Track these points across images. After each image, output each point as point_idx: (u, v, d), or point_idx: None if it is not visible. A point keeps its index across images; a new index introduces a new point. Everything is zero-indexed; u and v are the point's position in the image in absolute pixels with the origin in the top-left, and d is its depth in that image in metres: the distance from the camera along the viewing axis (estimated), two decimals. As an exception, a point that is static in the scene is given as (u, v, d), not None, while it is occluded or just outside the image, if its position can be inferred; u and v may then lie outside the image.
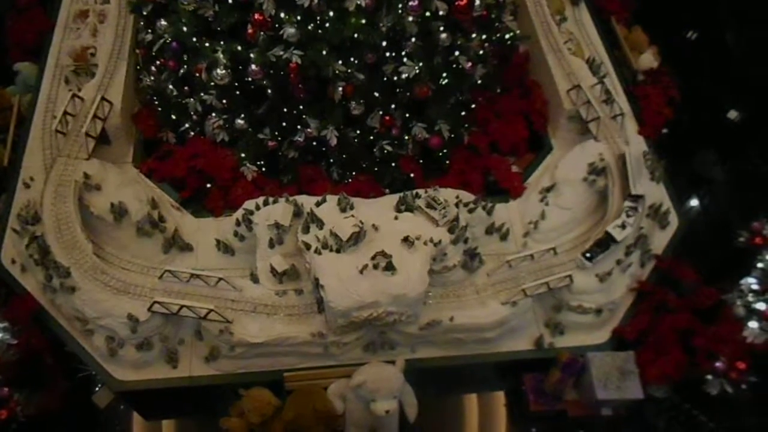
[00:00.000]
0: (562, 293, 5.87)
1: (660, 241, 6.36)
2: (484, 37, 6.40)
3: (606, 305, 5.93)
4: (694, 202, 7.31)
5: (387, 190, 6.44)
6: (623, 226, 5.92)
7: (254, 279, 5.78)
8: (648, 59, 7.54)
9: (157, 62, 6.64)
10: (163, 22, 6.27)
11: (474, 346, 5.87)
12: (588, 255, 5.84)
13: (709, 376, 5.72)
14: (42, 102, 6.79)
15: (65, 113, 6.28)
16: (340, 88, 5.90)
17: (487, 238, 6.15)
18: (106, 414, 6.30)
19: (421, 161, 6.60)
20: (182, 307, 5.37)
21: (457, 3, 5.91)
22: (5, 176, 6.51)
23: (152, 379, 5.69)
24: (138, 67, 6.96)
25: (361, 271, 5.29)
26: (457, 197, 5.93)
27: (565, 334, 5.99)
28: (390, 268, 5.30)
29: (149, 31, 6.56)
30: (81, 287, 5.50)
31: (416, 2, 5.69)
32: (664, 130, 7.11)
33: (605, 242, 5.87)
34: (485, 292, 5.84)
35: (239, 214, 5.88)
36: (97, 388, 6.06)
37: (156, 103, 6.79)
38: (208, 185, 6.47)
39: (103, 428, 6.74)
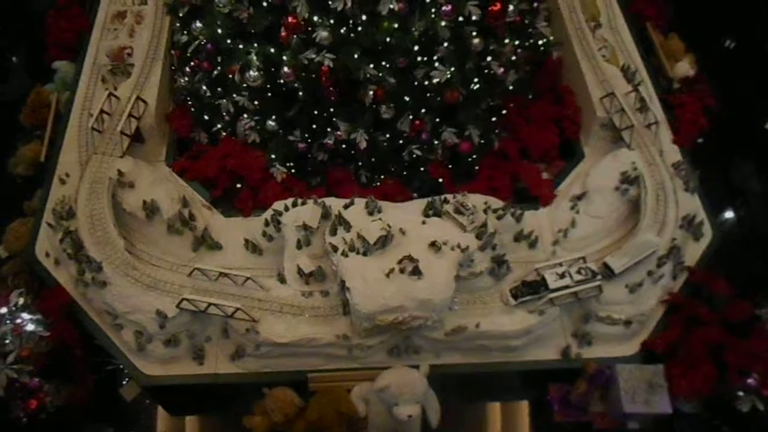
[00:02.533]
0: (591, 303, 5.78)
1: (693, 252, 6.23)
2: (516, 42, 6.35)
3: (636, 317, 5.82)
4: (729, 214, 7.16)
5: (415, 195, 6.42)
6: (562, 276, 5.58)
7: (281, 279, 5.82)
8: (684, 67, 7.40)
9: (192, 63, 6.73)
10: (199, 24, 6.37)
11: (499, 353, 5.82)
12: (514, 293, 5.67)
13: (740, 393, 5.57)
14: (79, 100, 6.92)
15: (101, 111, 6.40)
16: (371, 92, 5.92)
17: (516, 246, 6.09)
18: (132, 407, 6.42)
19: (450, 166, 6.57)
20: (210, 304, 5.43)
21: (490, 8, 5.88)
22: (42, 172, 6.67)
23: (178, 375, 5.75)
24: (173, 68, 7.08)
25: (387, 275, 5.28)
26: (486, 203, 5.89)
27: (592, 344, 5.89)
28: (416, 272, 5.29)
29: (185, 32, 6.67)
30: (112, 282, 5.60)
31: (449, 7, 5.68)
32: (700, 140, 6.97)
33: (537, 286, 5.63)
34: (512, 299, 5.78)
35: (268, 214, 5.92)
36: (124, 382, 6.18)
37: (189, 103, 6.90)
38: (239, 185, 6.53)
39: (129, 421, 6.87)
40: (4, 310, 5.58)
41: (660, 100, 7.04)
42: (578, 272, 5.60)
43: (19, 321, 5.51)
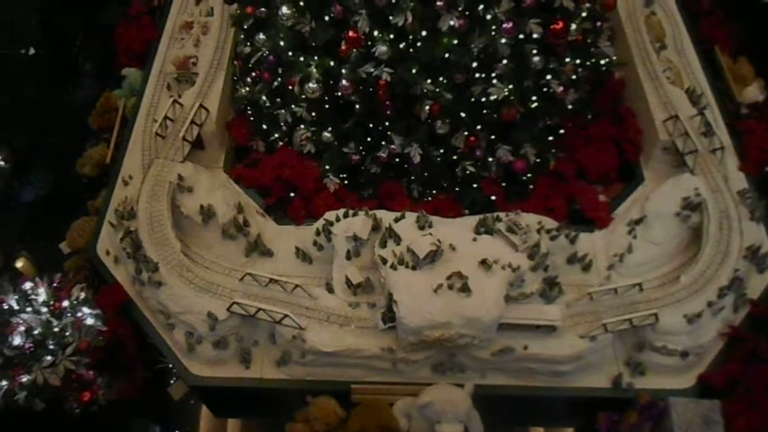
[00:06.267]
0: (646, 332, 5.59)
1: (757, 285, 5.96)
2: (578, 61, 6.26)
3: (693, 348, 5.59)
4: (798, 247, 6.78)
5: (467, 211, 6.38)
6: None
7: (329, 289, 5.86)
8: (753, 92, 7.12)
9: (253, 74, 6.91)
10: (262, 36, 6.55)
11: (547, 378, 5.68)
12: (384, 319, 5.53)
13: (804, 437, 5.28)
14: (144, 106, 7.17)
15: (165, 117, 6.63)
16: (427, 107, 5.93)
17: (568, 268, 5.96)
18: (178, 406, 6.54)
19: (503, 184, 6.51)
20: (259, 309, 5.51)
21: (552, 27, 5.82)
22: (107, 173, 6.94)
23: (225, 377, 5.84)
24: (235, 78, 7.27)
25: (435, 290, 5.25)
26: (540, 223, 5.80)
27: (646, 374, 5.69)
28: (465, 289, 5.23)
29: (248, 43, 6.87)
30: (167, 282, 5.75)
31: (510, 24, 5.66)
32: (768, 168, 6.68)
33: None
34: (563, 323, 5.64)
35: (320, 224, 5.99)
36: (172, 381, 6.32)
37: (249, 112, 7.06)
38: (292, 194, 6.63)
39: (175, 419, 7.02)
40: (65, 303, 5.82)
41: (726, 125, 6.79)
42: None
43: (79, 314, 5.74)
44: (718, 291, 5.61)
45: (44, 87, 8.89)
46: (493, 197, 6.45)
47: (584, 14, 6.11)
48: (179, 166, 6.41)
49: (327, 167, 6.54)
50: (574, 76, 6.25)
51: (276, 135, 6.88)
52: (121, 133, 7.23)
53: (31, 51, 9.28)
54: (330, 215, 5.98)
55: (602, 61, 6.61)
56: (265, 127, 6.92)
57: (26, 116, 8.39)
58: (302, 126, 6.58)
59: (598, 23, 6.47)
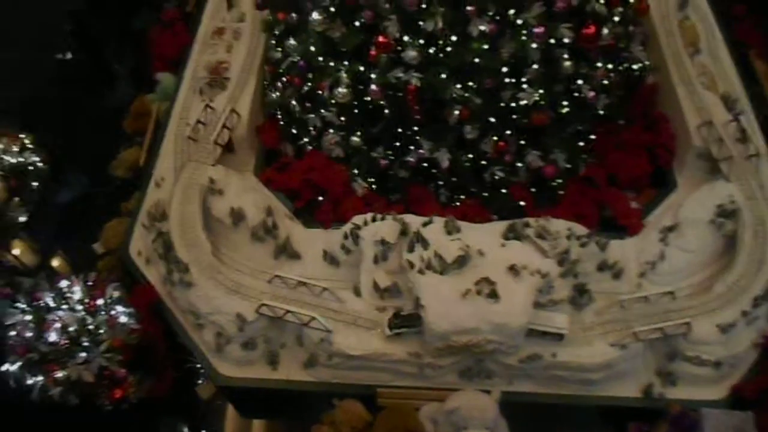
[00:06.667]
0: (678, 341, 5.48)
1: (793, 295, 5.80)
2: (610, 66, 6.19)
3: (726, 359, 5.47)
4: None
5: (495, 217, 6.33)
6: None
7: (357, 292, 5.88)
8: (790, 97, 6.97)
9: (284, 78, 6.98)
10: (293, 42, 6.62)
11: (576, 386, 5.61)
12: (390, 325, 5.50)
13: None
14: (177, 110, 7.27)
15: (198, 121, 6.74)
16: (456, 112, 5.93)
17: (599, 275, 5.86)
18: (206, 405, 6.63)
19: (533, 189, 6.45)
20: (287, 311, 5.56)
21: (584, 31, 5.78)
22: (140, 175, 7.09)
23: (253, 378, 5.90)
24: (265, 83, 7.35)
25: (463, 296, 5.24)
26: (569, 229, 5.73)
27: (677, 385, 5.59)
28: (493, 295, 5.21)
29: (279, 49, 6.94)
30: (197, 283, 5.84)
31: (542, 29, 5.63)
32: (806, 175, 6.50)
33: (412, 319, 5.45)
34: (593, 331, 5.58)
35: (348, 228, 6.00)
36: (200, 381, 6.41)
37: (279, 116, 7.14)
38: (320, 198, 6.67)
39: (202, 418, 7.10)
40: (100, 301, 5.96)
41: (762, 131, 6.63)
42: None
43: (113, 313, 5.87)
44: (753, 301, 5.49)
45: (80, 91, 9.13)
46: (522, 203, 6.39)
47: (616, 18, 6.05)
48: (211, 169, 6.49)
49: (355, 171, 6.58)
50: (605, 81, 6.18)
51: (305, 139, 6.93)
52: (154, 136, 7.36)
53: (68, 56, 9.54)
54: (358, 219, 6.00)
55: (635, 66, 6.53)
56: (294, 131, 6.99)
57: (63, 119, 8.63)
58: (331, 130, 6.62)
59: (631, 27, 6.40)
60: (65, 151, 8.16)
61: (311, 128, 6.78)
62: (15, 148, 7.75)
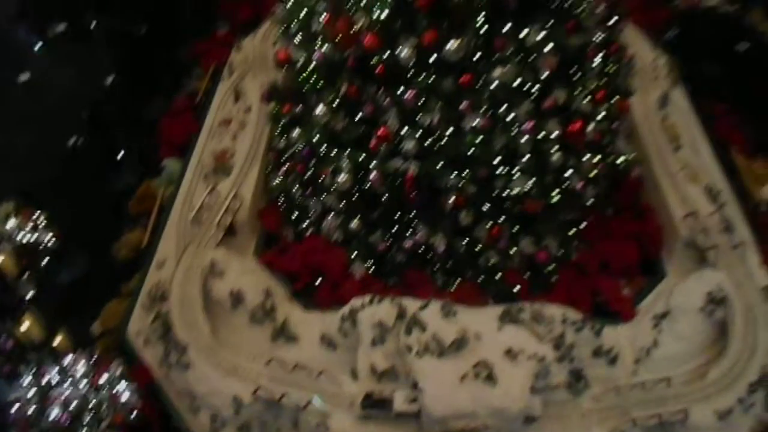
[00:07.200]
0: (675, 428, 5.45)
1: (791, 383, 5.83)
2: (596, 159, 6.52)
3: (726, 447, 5.43)
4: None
5: (491, 301, 6.45)
6: (413, 400, 5.40)
7: (354, 375, 5.86)
8: (770, 191, 7.29)
9: (287, 165, 7.29)
10: (297, 131, 6.97)
11: (575, 474, 5.51)
12: (363, 404, 5.52)
13: None
14: (182, 194, 7.48)
15: (201, 205, 6.95)
16: (452, 199, 6.17)
17: (594, 361, 5.89)
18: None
19: (527, 275, 6.60)
20: (284, 395, 5.53)
21: (570, 127, 6.15)
22: (142, 257, 7.21)
23: (246, 465, 5.77)
24: (268, 169, 7.64)
25: (461, 379, 5.25)
26: (564, 315, 5.83)
27: (676, 474, 5.50)
28: (491, 379, 5.22)
29: (283, 137, 7.29)
30: (195, 365, 5.82)
31: (531, 124, 6.00)
32: (791, 265, 6.70)
33: (381, 403, 5.49)
34: (591, 417, 5.54)
35: (345, 310, 6.07)
36: (193, 467, 6.22)
37: (281, 201, 7.38)
38: (319, 281, 6.77)
39: None
40: (104, 377, 5.93)
41: (747, 222, 6.89)
42: None
43: (115, 391, 5.83)
44: (748, 387, 5.51)
45: (88, 175, 9.42)
46: (516, 287, 6.53)
47: (600, 116, 6.44)
48: (212, 251, 6.64)
49: (354, 255, 6.73)
50: (593, 173, 6.49)
51: (305, 223, 7.14)
52: (158, 219, 7.56)
53: (80, 141, 9.92)
54: (356, 302, 6.08)
55: (619, 160, 6.87)
56: (295, 215, 7.20)
57: (69, 201, 8.89)
58: (331, 215, 6.84)
59: (614, 124, 6.79)
60: (70, 231, 8.34)
61: (312, 212, 7.00)
62: (29, 227, 7.98)
